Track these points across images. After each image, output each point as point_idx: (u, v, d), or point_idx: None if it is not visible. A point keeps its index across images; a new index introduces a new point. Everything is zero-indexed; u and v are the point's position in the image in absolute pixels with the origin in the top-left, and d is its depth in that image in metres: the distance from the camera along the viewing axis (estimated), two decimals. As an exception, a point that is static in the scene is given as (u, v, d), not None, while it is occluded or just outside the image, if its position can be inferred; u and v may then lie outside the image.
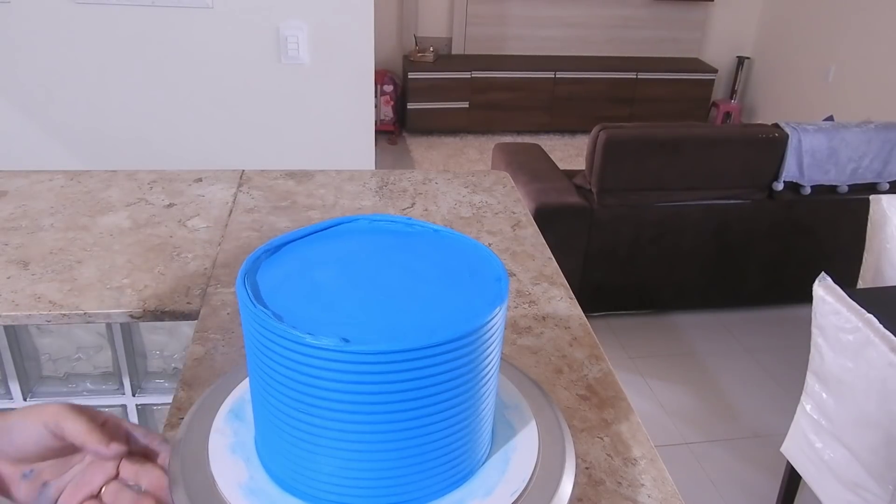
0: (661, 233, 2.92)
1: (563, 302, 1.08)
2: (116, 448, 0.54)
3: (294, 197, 1.41)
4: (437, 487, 0.52)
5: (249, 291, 0.51)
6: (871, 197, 2.14)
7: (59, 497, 0.57)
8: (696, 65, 5.70)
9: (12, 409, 0.57)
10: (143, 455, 0.58)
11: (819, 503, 1.77)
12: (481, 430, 0.54)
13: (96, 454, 0.54)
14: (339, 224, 0.61)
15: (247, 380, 0.65)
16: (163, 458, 0.58)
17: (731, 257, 3.05)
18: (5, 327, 1.11)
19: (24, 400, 1.17)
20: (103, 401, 1.18)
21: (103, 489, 0.57)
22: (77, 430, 0.53)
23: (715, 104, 5.77)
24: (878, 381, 1.50)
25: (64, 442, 0.54)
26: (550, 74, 5.36)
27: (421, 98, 5.20)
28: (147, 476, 0.57)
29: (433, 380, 0.47)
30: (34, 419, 0.54)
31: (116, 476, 0.57)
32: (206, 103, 2.18)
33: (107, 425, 0.56)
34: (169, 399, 0.84)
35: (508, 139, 5.26)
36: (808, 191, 2.90)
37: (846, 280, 1.82)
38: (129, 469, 0.57)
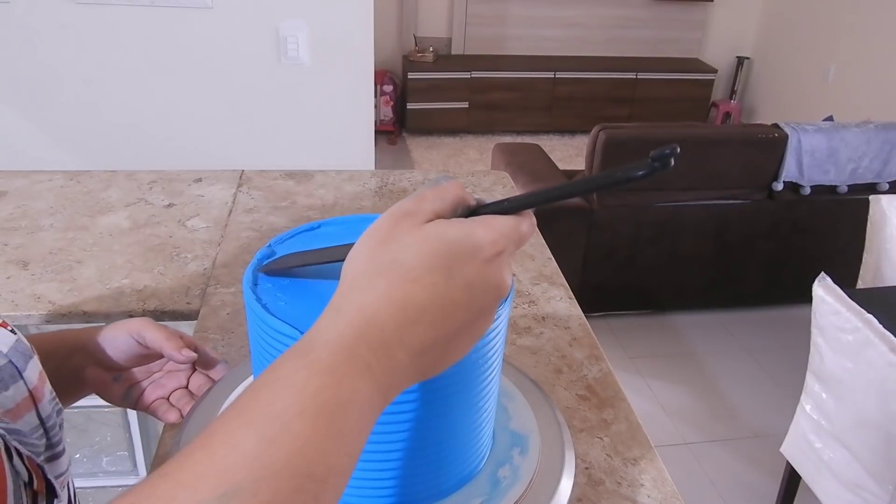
0: (661, 233, 2.92)
1: (562, 302, 1.08)
2: (187, 354, 0.65)
3: (294, 197, 1.41)
4: (439, 489, 0.52)
5: (255, 291, 0.51)
6: (871, 197, 2.14)
7: (139, 397, 0.70)
8: (695, 65, 5.70)
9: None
10: (205, 366, 0.71)
11: (819, 503, 1.77)
12: (482, 432, 0.54)
13: (171, 357, 0.66)
14: (346, 222, 0.61)
15: (248, 380, 0.65)
16: (218, 371, 0.71)
17: (731, 257, 3.05)
18: (5, 327, 1.11)
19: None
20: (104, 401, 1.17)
21: (172, 394, 0.70)
22: (155, 337, 0.66)
23: (715, 104, 5.77)
24: (878, 381, 1.50)
25: (146, 349, 0.67)
26: (550, 74, 5.36)
27: (421, 98, 5.20)
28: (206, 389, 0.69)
29: (435, 381, 0.47)
30: (121, 330, 0.67)
31: (186, 385, 0.70)
32: (205, 103, 2.18)
33: (183, 339, 0.67)
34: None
35: (508, 139, 5.26)
36: (807, 191, 2.90)
37: (846, 280, 1.82)
38: (196, 381, 0.71)
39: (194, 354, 0.67)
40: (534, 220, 0.42)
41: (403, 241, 0.38)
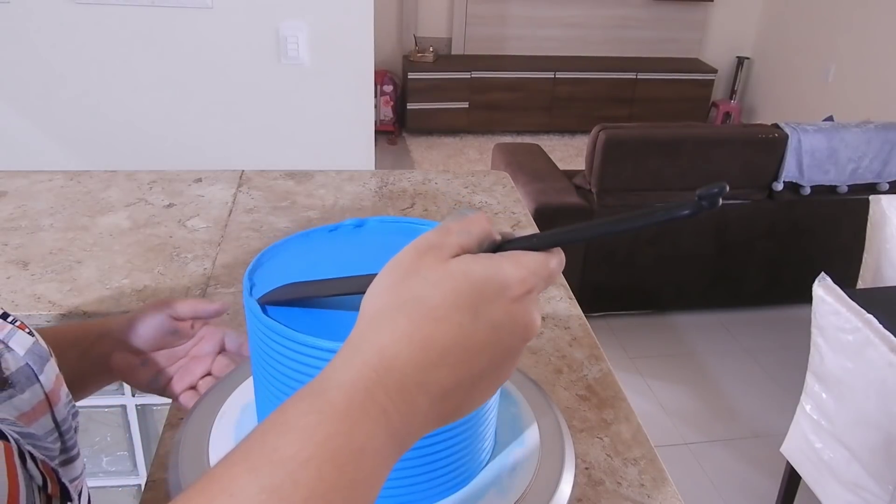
0: (661, 233, 2.92)
1: (562, 302, 1.08)
2: (219, 306, 0.70)
3: (294, 197, 1.41)
4: (440, 490, 0.52)
5: (254, 293, 0.51)
6: (871, 197, 2.14)
7: (167, 383, 0.70)
8: (695, 65, 5.70)
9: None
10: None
11: (819, 503, 1.77)
12: (484, 434, 0.54)
13: (205, 313, 0.70)
14: (343, 226, 0.61)
15: (248, 380, 0.65)
16: (241, 346, 0.73)
17: (731, 257, 3.05)
18: (5, 327, 1.11)
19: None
20: (103, 401, 1.18)
21: (200, 381, 0.70)
22: (184, 304, 0.69)
23: (715, 104, 5.77)
24: (878, 381, 1.50)
25: (175, 325, 0.69)
26: (550, 74, 5.36)
27: (421, 98, 5.20)
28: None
29: None
30: (150, 309, 0.69)
31: (210, 372, 0.71)
32: (205, 103, 2.18)
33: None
34: (169, 399, 0.84)
35: (508, 139, 5.26)
36: (807, 191, 2.90)
37: (846, 280, 1.82)
38: (219, 364, 0.71)
39: (227, 305, 0.71)
40: (563, 257, 0.40)
41: (428, 277, 0.36)
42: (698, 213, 0.35)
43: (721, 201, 0.35)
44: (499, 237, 0.40)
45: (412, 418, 0.35)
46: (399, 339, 0.35)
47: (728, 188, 0.35)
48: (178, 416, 0.81)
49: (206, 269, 1.14)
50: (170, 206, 1.35)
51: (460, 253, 0.38)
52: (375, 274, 0.39)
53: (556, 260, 0.39)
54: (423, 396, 0.35)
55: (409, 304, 0.36)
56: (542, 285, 0.39)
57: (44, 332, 0.61)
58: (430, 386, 0.35)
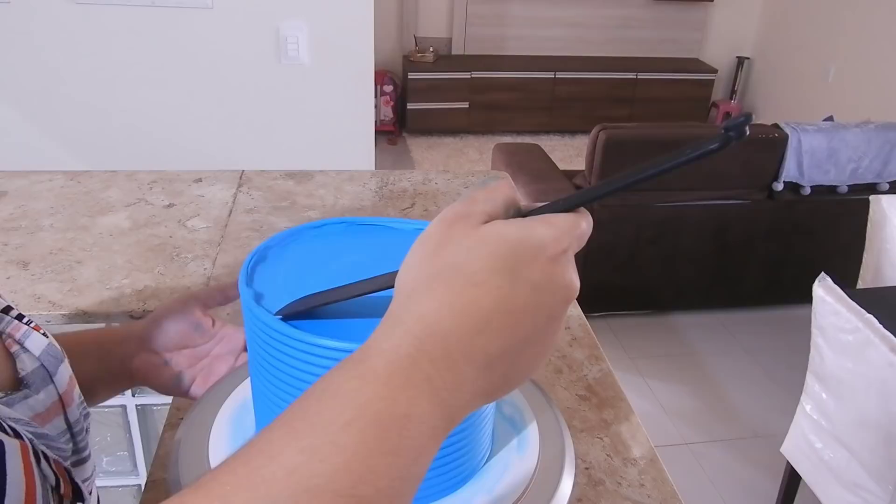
0: (661, 233, 2.92)
1: (562, 302, 1.08)
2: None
3: (294, 197, 1.41)
4: (438, 489, 0.52)
5: (251, 290, 0.51)
6: (871, 197, 2.14)
7: (190, 385, 0.69)
8: (696, 65, 5.70)
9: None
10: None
11: (819, 503, 1.77)
12: (482, 432, 0.54)
13: (233, 291, 0.68)
14: (338, 224, 0.61)
15: (247, 379, 0.65)
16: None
17: (731, 257, 3.05)
18: (5, 327, 1.11)
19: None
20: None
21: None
22: (211, 293, 0.69)
23: (715, 104, 5.76)
24: (878, 381, 1.50)
25: (199, 319, 0.68)
26: (550, 75, 5.36)
27: (421, 98, 5.20)
28: None
29: None
30: (176, 304, 0.68)
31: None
32: (205, 103, 2.18)
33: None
34: (169, 399, 0.84)
35: (508, 139, 5.25)
36: (807, 191, 2.90)
37: (846, 280, 1.82)
38: (241, 363, 0.70)
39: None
40: (590, 218, 0.39)
41: (461, 244, 0.36)
42: (726, 146, 0.34)
43: (748, 130, 0.33)
44: (523, 203, 0.40)
45: (459, 388, 0.34)
46: (440, 307, 0.34)
47: (754, 118, 0.34)
48: (178, 416, 0.81)
49: (206, 269, 1.14)
50: (170, 206, 1.35)
51: (488, 220, 0.37)
52: (395, 272, 0.39)
53: (585, 220, 0.39)
54: (469, 364, 0.34)
55: (447, 272, 0.35)
56: (576, 245, 0.38)
57: (67, 335, 0.61)
58: (475, 353, 0.34)
